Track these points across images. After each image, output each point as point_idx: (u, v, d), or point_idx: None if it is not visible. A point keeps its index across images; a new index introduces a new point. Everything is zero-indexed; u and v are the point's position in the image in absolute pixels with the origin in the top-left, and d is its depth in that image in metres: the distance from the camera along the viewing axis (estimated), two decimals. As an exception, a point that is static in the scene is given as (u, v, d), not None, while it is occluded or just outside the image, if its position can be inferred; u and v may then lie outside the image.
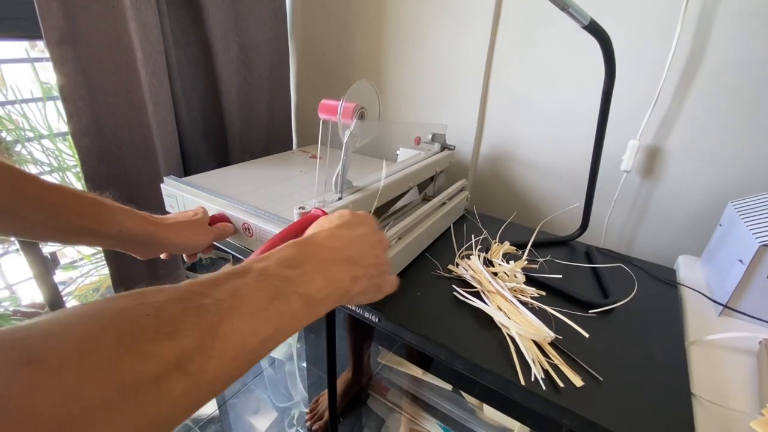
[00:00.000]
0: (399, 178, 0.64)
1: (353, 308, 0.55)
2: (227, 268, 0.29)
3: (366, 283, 0.38)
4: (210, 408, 1.14)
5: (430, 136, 0.81)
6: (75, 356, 0.18)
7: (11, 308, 1.10)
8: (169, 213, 0.61)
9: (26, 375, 0.16)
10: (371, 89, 0.57)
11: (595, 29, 0.49)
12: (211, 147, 0.97)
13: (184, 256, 0.58)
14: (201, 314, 0.23)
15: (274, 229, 0.56)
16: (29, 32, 0.70)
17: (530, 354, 0.45)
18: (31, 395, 0.16)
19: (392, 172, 0.65)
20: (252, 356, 0.26)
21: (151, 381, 0.20)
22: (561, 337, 0.48)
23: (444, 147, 0.81)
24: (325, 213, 0.49)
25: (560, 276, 0.59)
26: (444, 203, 0.73)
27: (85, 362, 0.18)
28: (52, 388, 0.17)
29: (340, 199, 0.54)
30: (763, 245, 0.49)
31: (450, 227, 0.75)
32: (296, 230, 0.47)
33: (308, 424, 0.80)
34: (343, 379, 0.70)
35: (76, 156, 0.75)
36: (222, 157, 0.99)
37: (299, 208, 0.51)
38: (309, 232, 0.41)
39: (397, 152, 0.84)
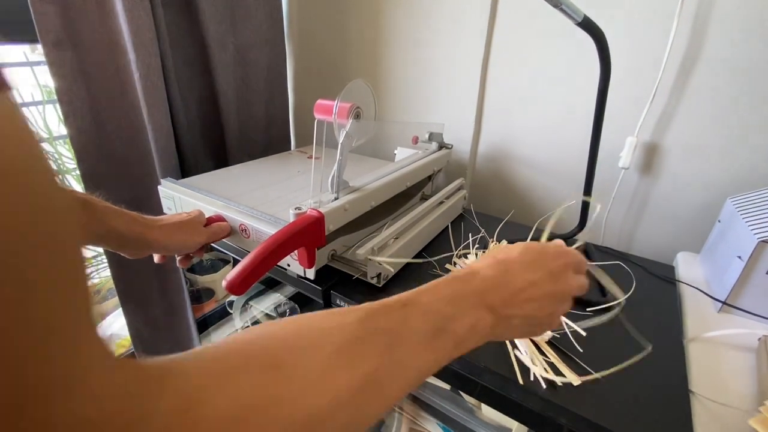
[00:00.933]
0: (396, 178, 0.64)
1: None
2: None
3: (524, 325, 0.34)
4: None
5: (427, 135, 0.81)
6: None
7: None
8: (165, 215, 0.61)
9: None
10: (367, 89, 0.57)
11: (588, 26, 0.49)
12: (209, 148, 0.97)
13: (176, 259, 0.58)
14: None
15: (270, 230, 0.56)
16: (28, 36, 0.71)
17: (528, 353, 0.45)
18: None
19: (389, 172, 0.64)
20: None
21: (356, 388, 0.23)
22: (558, 336, 0.48)
23: (441, 146, 0.81)
24: (321, 214, 0.49)
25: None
26: (441, 202, 0.73)
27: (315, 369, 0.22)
28: (299, 386, 0.21)
29: (336, 199, 0.54)
30: (762, 241, 0.49)
31: (448, 226, 0.75)
32: (292, 231, 0.47)
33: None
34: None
35: (75, 157, 0.75)
36: (220, 158, 0.99)
37: (295, 209, 0.51)
38: (485, 262, 0.34)
39: (395, 152, 0.84)
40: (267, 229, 0.57)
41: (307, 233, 0.49)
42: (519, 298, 0.32)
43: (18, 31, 0.71)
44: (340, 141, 0.52)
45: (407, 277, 0.60)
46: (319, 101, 0.55)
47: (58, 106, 0.71)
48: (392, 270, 0.57)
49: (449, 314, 0.29)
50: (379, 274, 0.56)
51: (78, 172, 0.77)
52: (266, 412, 0.19)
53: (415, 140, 0.82)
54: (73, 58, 0.70)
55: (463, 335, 0.29)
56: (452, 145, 0.83)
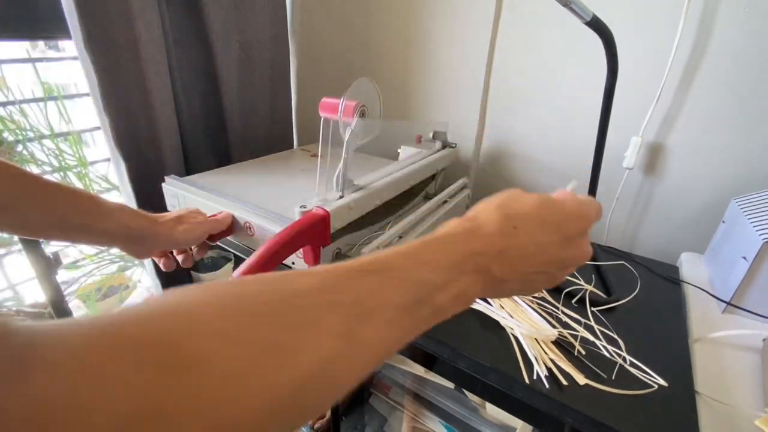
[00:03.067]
0: (401, 177, 0.64)
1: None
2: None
3: (517, 289, 0.30)
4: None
5: (431, 134, 0.81)
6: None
7: (14, 308, 1.11)
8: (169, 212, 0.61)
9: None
10: (372, 87, 0.57)
11: (597, 25, 0.49)
12: (212, 146, 0.97)
13: (178, 259, 0.58)
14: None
15: (275, 228, 0.56)
16: (53, 33, 0.73)
17: (533, 351, 0.45)
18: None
19: (394, 170, 0.64)
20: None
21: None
22: (564, 336, 0.48)
23: (445, 145, 0.81)
24: (327, 212, 0.49)
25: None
26: (445, 201, 0.73)
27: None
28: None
29: (341, 197, 0.54)
30: (767, 242, 0.49)
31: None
32: (298, 229, 0.47)
33: (310, 422, 0.80)
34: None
35: (78, 156, 0.75)
36: (223, 156, 0.99)
37: (301, 207, 0.51)
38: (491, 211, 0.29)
39: (399, 150, 0.84)
40: (272, 227, 0.57)
41: (312, 231, 0.49)
42: (523, 265, 0.27)
43: (51, 29, 0.72)
44: (346, 139, 0.52)
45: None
46: (325, 99, 0.54)
47: (59, 103, 0.71)
48: None
49: (435, 283, 0.24)
50: None
51: (80, 169, 0.76)
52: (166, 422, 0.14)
53: (419, 139, 0.82)
54: (99, 54, 0.70)
55: (445, 306, 0.24)
56: (456, 144, 0.83)
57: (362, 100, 0.54)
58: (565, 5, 0.44)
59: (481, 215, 0.29)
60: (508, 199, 0.30)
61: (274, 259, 0.44)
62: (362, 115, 0.54)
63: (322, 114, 0.54)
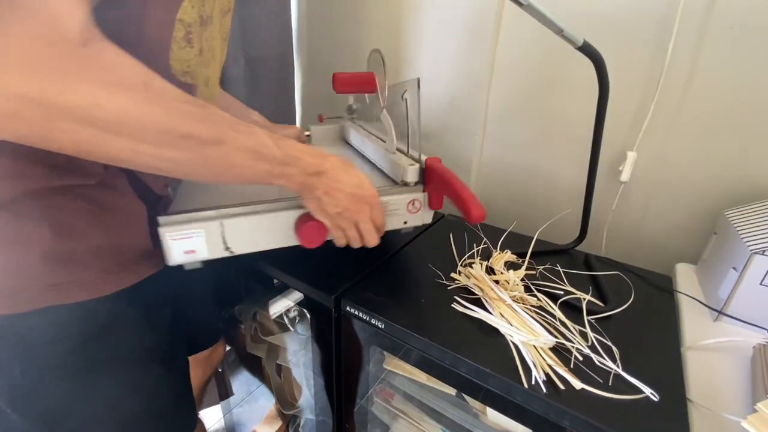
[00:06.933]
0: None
1: (359, 314, 0.57)
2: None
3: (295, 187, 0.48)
4: (215, 418, 1.15)
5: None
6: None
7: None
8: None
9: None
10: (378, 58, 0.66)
11: (588, 50, 0.52)
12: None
13: None
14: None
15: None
16: None
17: (532, 358, 0.47)
18: None
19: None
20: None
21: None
22: (562, 343, 0.50)
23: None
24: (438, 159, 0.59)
25: (560, 283, 0.61)
26: None
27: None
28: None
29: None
30: (755, 253, 0.51)
31: (450, 236, 0.77)
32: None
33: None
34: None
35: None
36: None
37: (410, 164, 0.59)
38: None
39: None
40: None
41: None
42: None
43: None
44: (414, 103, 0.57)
45: (414, 286, 0.62)
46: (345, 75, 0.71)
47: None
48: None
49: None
50: None
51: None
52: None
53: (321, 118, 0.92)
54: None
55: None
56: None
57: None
58: (558, 33, 0.47)
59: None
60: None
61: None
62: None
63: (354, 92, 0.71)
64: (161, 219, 0.48)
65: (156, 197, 0.52)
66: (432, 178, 0.58)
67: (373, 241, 0.54)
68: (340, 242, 0.54)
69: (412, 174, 0.59)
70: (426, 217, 0.62)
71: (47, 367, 0.43)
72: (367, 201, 0.51)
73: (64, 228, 0.41)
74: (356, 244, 0.54)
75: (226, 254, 0.52)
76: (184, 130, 0.36)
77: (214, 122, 0.39)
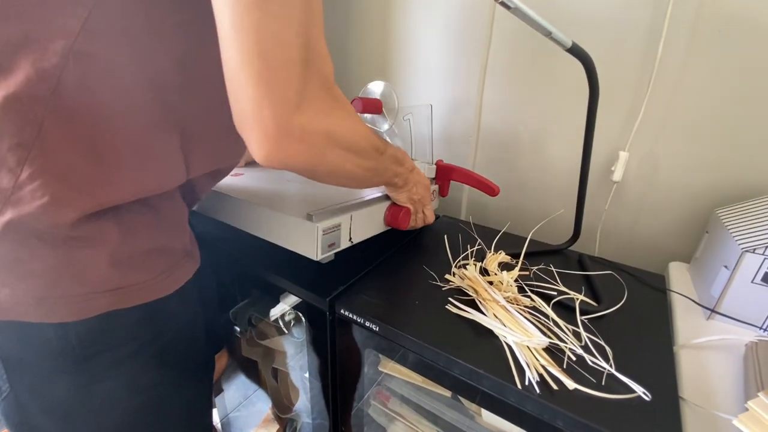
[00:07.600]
0: None
1: (354, 317, 0.57)
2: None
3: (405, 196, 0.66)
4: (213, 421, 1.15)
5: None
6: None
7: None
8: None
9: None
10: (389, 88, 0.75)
11: (577, 52, 0.52)
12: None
13: None
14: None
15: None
16: None
17: (525, 358, 0.47)
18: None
19: None
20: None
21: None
22: (555, 343, 0.50)
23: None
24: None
25: (554, 283, 0.62)
26: None
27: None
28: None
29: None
30: (746, 251, 0.51)
31: (444, 238, 0.77)
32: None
33: None
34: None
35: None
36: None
37: (428, 164, 0.78)
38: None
39: None
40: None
41: None
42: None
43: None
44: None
45: (408, 288, 0.62)
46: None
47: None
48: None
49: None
50: None
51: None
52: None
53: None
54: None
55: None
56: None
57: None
58: (547, 35, 0.47)
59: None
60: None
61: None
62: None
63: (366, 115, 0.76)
64: (315, 216, 0.53)
65: (193, 198, 0.52)
66: (441, 174, 0.79)
67: (432, 219, 0.74)
68: (419, 224, 0.72)
69: (429, 172, 0.77)
70: (434, 204, 0.81)
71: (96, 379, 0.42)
72: (429, 189, 0.69)
73: (128, 231, 0.40)
74: (423, 223, 0.73)
75: (348, 245, 0.61)
76: (375, 143, 0.48)
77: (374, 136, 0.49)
